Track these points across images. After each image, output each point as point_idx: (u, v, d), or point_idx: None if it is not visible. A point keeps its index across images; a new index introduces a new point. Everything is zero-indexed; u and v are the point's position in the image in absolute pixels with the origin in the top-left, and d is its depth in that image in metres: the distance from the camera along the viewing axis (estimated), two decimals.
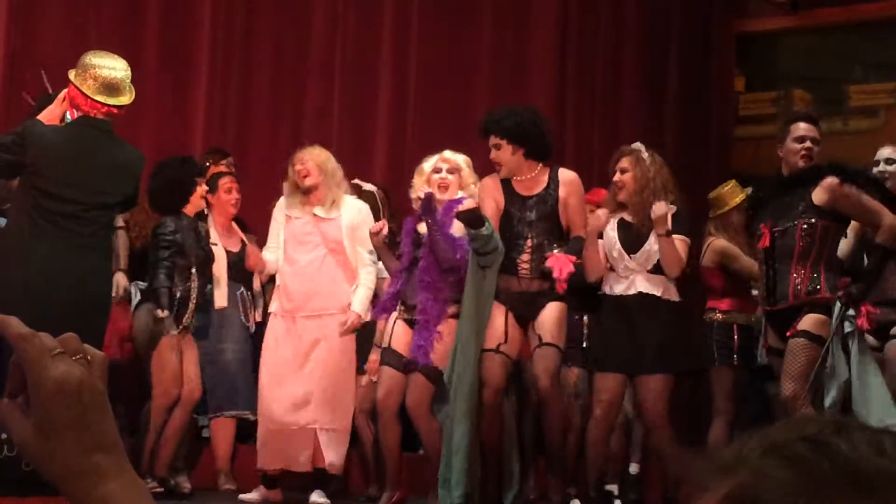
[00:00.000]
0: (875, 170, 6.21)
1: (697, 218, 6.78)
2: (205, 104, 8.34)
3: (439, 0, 9.24)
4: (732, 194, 6.81)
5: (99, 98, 5.33)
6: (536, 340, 5.75)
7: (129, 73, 5.43)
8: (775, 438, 0.81)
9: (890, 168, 6.25)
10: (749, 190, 6.51)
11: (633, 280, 5.89)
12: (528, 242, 5.83)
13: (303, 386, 6.22)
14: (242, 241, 6.94)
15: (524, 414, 6.59)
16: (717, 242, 6.76)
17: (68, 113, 5.45)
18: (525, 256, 5.82)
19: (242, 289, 7.00)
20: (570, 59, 9.53)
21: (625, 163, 5.96)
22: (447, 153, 6.16)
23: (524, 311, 5.82)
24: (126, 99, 5.39)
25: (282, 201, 6.54)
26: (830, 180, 5.54)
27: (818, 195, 5.55)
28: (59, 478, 0.99)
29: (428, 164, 6.15)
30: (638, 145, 6.05)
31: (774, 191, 5.81)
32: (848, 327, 5.56)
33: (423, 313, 5.89)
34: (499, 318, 5.79)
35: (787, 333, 5.55)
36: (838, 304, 5.51)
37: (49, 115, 5.43)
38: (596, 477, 6.01)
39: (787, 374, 5.50)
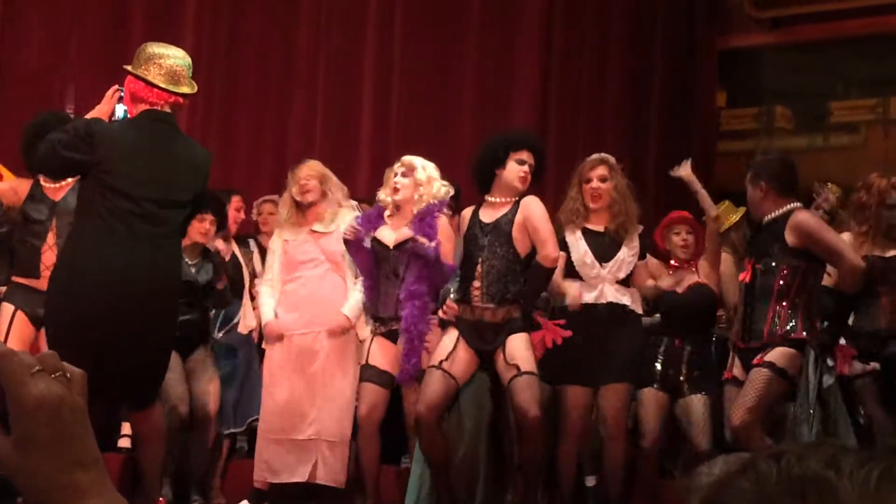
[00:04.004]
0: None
1: None
2: (188, 115, 8.32)
3: (423, 13, 9.26)
4: (726, 214, 6.71)
5: (170, 87, 5.06)
6: (514, 371, 5.54)
7: (190, 62, 5.21)
8: (751, 457, 0.90)
9: None
10: (743, 209, 6.39)
11: (602, 289, 5.87)
12: (479, 269, 5.68)
13: (304, 399, 6.19)
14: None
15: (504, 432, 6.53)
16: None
17: (118, 109, 5.22)
18: (476, 283, 5.68)
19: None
20: (554, 74, 9.56)
21: (604, 171, 5.96)
22: (405, 157, 6.11)
23: (478, 344, 5.66)
24: (190, 89, 5.12)
25: (276, 231, 6.52)
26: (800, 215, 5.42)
27: (790, 237, 5.38)
28: (40, 494, 0.99)
29: (392, 171, 6.11)
30: (609, 157, 6.08)
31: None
32: (828, 379, 5.47)
33: (409, 331, 5.83)
34: (449, 338, 5.69)
35: (754, 362, 5.35)
36: (812, 354, 5.34)
37: (97, 114, 5.17)
38: (570, 491, 5.95)
39: (742, 402, 5.28)
